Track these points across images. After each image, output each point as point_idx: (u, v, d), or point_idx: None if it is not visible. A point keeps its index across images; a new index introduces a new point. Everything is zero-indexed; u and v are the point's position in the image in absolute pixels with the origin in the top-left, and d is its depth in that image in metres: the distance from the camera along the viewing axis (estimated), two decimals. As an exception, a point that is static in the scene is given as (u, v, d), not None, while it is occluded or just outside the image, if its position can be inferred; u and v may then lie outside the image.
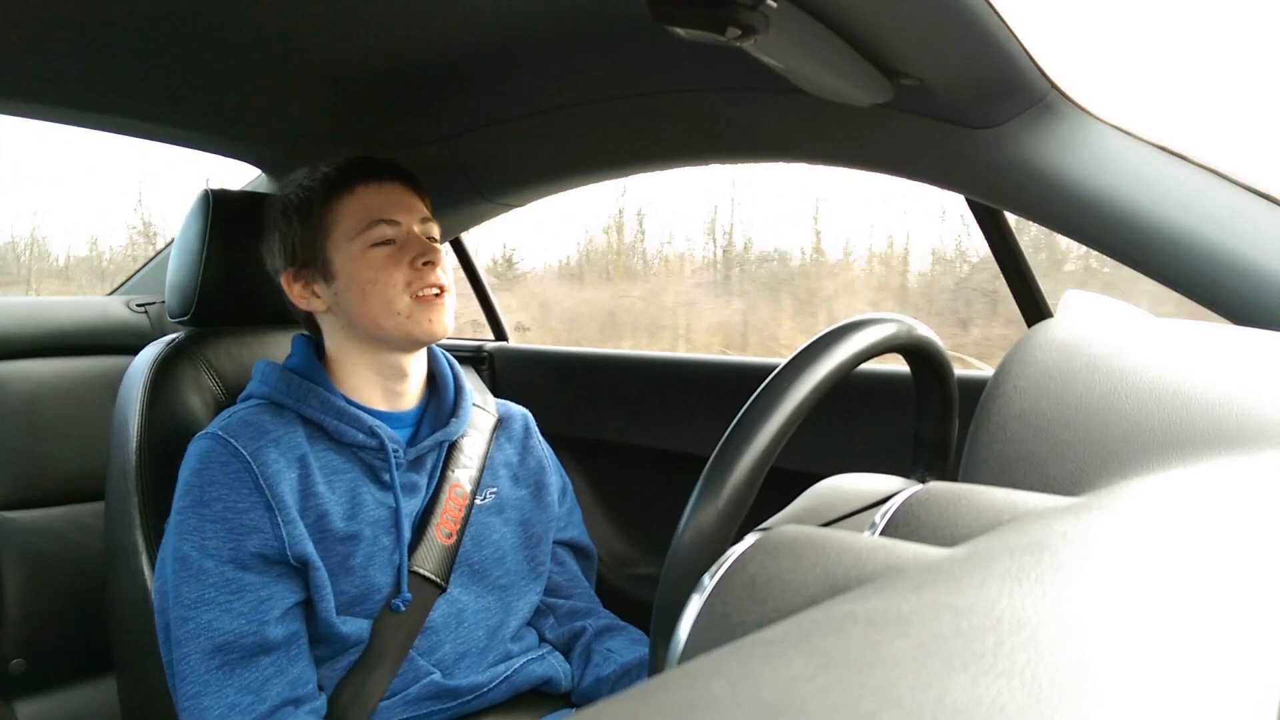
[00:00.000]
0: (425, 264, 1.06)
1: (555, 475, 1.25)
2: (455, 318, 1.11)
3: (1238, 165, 0.95)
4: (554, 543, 1.23)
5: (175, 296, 1.24)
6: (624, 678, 1.13)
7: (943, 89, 0.99)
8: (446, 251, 1.24)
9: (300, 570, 0.99)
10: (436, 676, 1.04)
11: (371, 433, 1.05)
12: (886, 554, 0.42)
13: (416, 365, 1.13)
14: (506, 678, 1.09)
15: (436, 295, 1.06)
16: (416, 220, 1.09)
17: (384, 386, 1.11)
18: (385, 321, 1.05)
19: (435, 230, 1.12)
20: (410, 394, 1.13)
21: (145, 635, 1.07)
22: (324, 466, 1.03)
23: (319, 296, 1.10)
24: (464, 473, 1.13)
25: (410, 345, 1.09)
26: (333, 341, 1.12)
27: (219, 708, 0.93)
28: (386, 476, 1.06)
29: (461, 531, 1.10)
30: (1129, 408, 0.49)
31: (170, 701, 1.04)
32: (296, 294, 1.11)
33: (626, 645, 1.17)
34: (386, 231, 1.07)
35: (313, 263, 1.09)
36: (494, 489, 1.16)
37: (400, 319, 1.05)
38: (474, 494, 1.13)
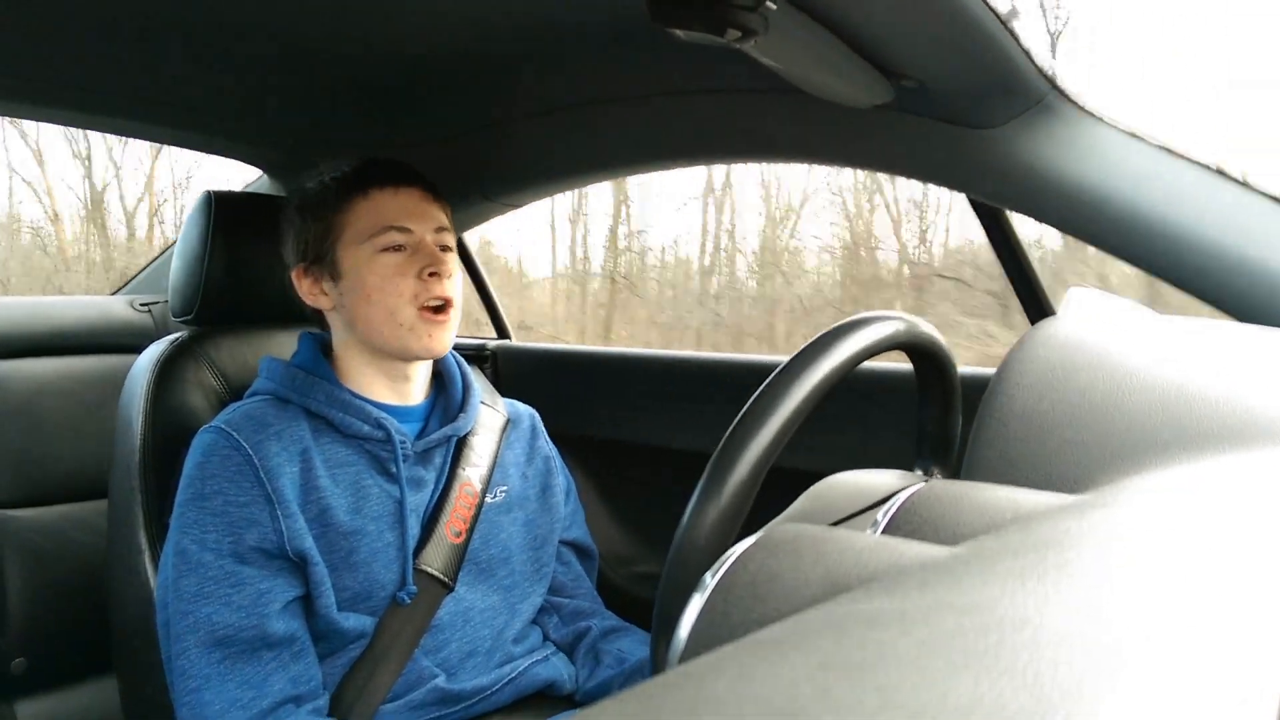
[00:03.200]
0: (432, 275, 1.05)
1: (561, 476, 1.25)
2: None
3: (1239, 163, 0.95)
4: (558, 542, 1.23)
5: (178, 296, 1.25)
6: (635, 676, 1.13)
7: (943, 90, 0.99)
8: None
9: (300, 566, 0.99)
10: (441, 680, 1.04)
11: (378, 424, 1.05)
12: (888, 553, 0.41)
13: (422, 365, 1.13)
14: (511, 680, 1.08)
15: (440, 309, 1.06)
16: (430, 229, 1.08)
17: (389, 383, 1.11)
18: (386, 330, 1.05)
19: (450, 240, 1.11)
20: (416, 390, 1.13)
21: (147, 635, 1.07)
22: (328, 459, 1.03)
23: (326, 295, 1.10)
24: (474, 471, 1.13)
25: (407, 357, 1.09)
26: (338, 339, 1.12)
27: (219, 702, 0.93)
28: (393, 468, 1.06)
29: (471, 530, 1.10)
30: (1132, 405, 0.48)
31: (170, 701, 1.04)
32: (305, 290, 1.11)
33: (635, 646, 1.17)
34: (397, 238, 1.06)
35: (322, 261, 1.09)
36: (504, 488, 1.16)
37: (402, 330, 1.05)
38: (484, 493, 1.13)
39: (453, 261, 1.09)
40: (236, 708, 0.93)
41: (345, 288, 1.07)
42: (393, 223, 1.06)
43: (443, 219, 1.11)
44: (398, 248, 1.06)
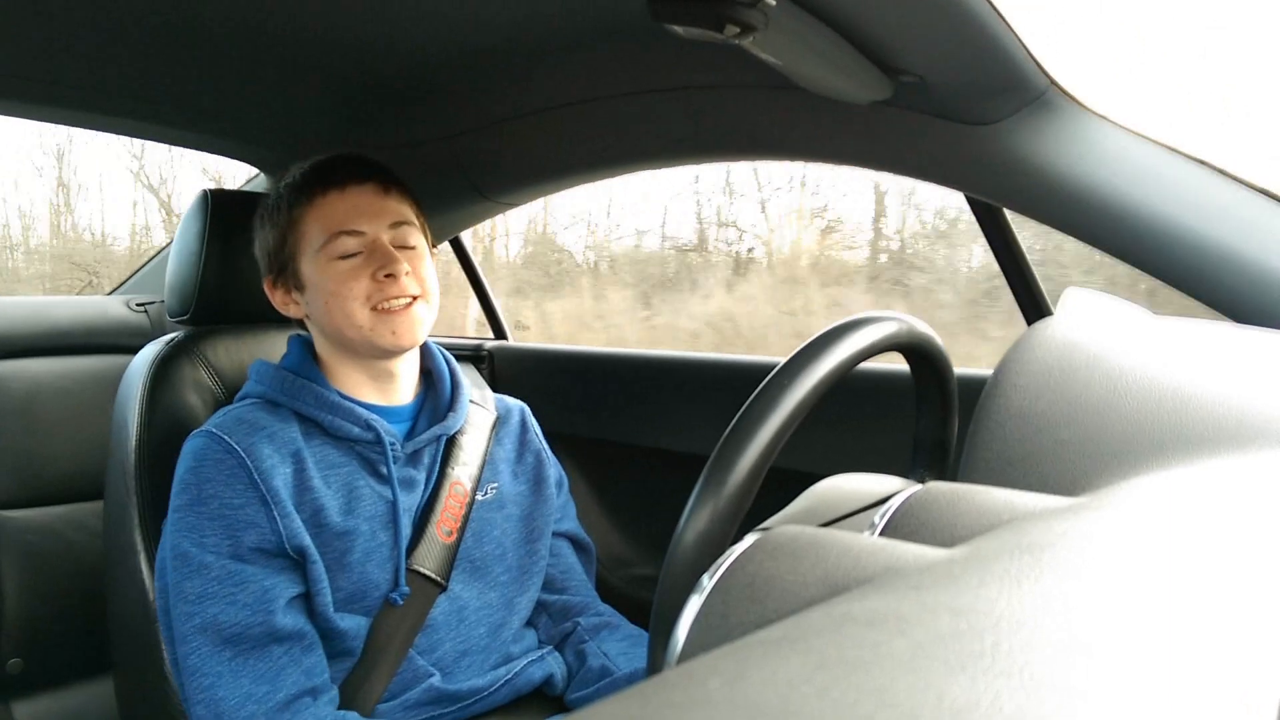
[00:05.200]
0: (387, 276, 1.03)
1: (553, 468, 1.26)
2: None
3: (1238, 162, 0.95)
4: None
5: (174, 296, 1.24)
6: (613, 684, 1.11)
7: (942, 86, 0.99)
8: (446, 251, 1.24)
9: (299, 563, 0.99)
10: (436, 680, 1.04)
11: (367, 426, 1.05)
12: (885, 554, 0.41)
13: (406, 365, 1.13)
14: (507, 681, 1.08)
15: (404, 306, 1.04)
16: (384, 226, 1.05)
17: (374, 384, 1.11)
18: (350, 334, 1.05)
19: (409, 234, 1.08)
20: (404, 390, 1.13)
21: (143, 635, 1.07)
22: (320, 461, 1.03)
23: (296, 304, 1.10)
24: (464, 470, 1.13)
25: (381, 355, 1.08)
26: (318, 343, 1.12)
27: (234, 698, 0.93)
28: (384, 470, 1.06)
29: (462, 529, 1.10)
30: (1128, 406, 0.48)
31: (169, 701, 1.04)
32: (278, 301, 1.11)
33: (622, 647, 1.16)
34: (349, 243, 1.04)
35: (285, 271, 1.09)
36: (494, 484, 1.16)
37: (363, 331, 1.04)
38: (474, 491, 1.13)
39: (417, 256, 1.07)
40: (252, 702, 0.93)
41: (310, 297, 1.07)
42: (341, 227, 1.04)
43: (402, 212, 1.08)
44: (352, 253, 1.04)
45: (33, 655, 1.59)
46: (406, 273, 1.04)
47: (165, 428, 1.14)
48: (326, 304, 1.04)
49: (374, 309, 1.03)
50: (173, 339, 1.21)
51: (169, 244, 1.66)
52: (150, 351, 1.19)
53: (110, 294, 2.05)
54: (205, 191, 1.23)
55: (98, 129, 1.50)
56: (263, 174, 1.78)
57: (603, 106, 1.31)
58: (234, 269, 1.22)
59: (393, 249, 1.04)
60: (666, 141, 1.36)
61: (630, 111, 1.30)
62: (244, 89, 1.36)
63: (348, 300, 1.03)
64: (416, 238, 1.09)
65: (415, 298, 1.05)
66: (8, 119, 1.44)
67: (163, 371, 1.16)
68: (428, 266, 1.09)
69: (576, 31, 1.12)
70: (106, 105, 1.39)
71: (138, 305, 1.89)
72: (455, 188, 1.58)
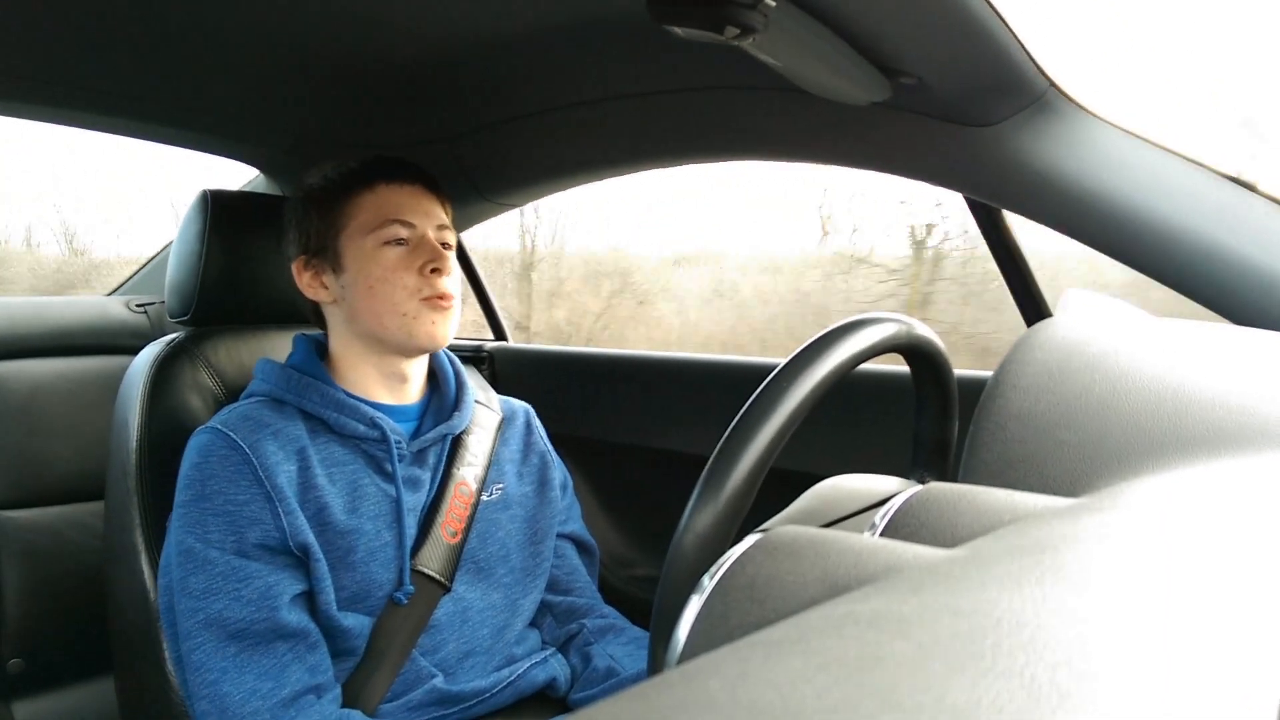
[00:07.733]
0: (433, 270, 1.06)
1: (558, 470, 1.26)
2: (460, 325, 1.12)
3: (1237, 163, 0.95)
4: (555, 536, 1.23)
5: (175, 296, 1.24)
6: (618, 684, 1.12)
7: (941, 87, 0.99)
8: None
9: (303, 561, 0.99)
10: (439, 681, 1.04)
11: (373, 424, 1.06)
12: (886, 555, 0.42)
13: (417, 366, 1.14)
14: (510, 683, 1.08)
15: (443, 301, 1.07)
16: (432, 226, 1.10)
17: (385, 382, 1.11)
18: (389, 321, 1.06)
19: (451, 238, 1.12)
20: (412, 390, 1.14)
21: (144, 635, 1.07)
22: (325, 459, 1.03)
23: (326, 288, 1.11)
24: (469, 470, 1.13)
25: (411, 350, 1.10)
26: (335, 335, 1.12)
27: (239, 693, 0.93)
28: (389, 467, 1.06)
29: (467, 530, 1.10)
30: (1129, 408, 0.49)
31: (169, 701, 1.04)
32: (305, 283, 1.12)
33: (628, 649, 1.16)
34: (400, 232, 1.07)
35: (324, 253, 1.10)
36: (500, 485, 1.17)
37: (405, 320, 1.06)
38: (480, 492, 1.13)
39: (452, 259, 1.11)
40: (256, 697, 0.93)
41: (347, 280, 1.08)
42: (396, 216, 1.07)
43: (444, 217, 1.12)
44: (400, 241, 1.07)
45: (33, 655, 1.59)
46: (449, 271, 1.08)
47: (166, 429, 1.14)
48: (371, 288, 1.06)
49: (420, 300, 1.06)
50: (173, 340, 1.21)
51: (169, 244, 1.66)
52: (151, 352, 1.19)
53: (110, 294, 2.05)
54: (205, 192, 1.23)
55: (97, 129, 1.50)
56: (262, 174, 1.79)
57: (603, 107, 1.31)
58: (234, 269, 1.22)
59: (439, 246, 1.08)
60: (667, 142, 1.37)
61: (630, 112, 1.30)
62: (244, 89, 1.36)
63: (396, 288, 1.05)
64: (453, 242, 1.13)
65: (450, 297, 1.08)
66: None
67: (163, 372, 1.16)
68: (459, 273, 1.13)
69: (577, 32, 1.12)
70: (106, 105, 1.39)
71: (138, 306, 1.89)
72: (455, 188, 1.58)
